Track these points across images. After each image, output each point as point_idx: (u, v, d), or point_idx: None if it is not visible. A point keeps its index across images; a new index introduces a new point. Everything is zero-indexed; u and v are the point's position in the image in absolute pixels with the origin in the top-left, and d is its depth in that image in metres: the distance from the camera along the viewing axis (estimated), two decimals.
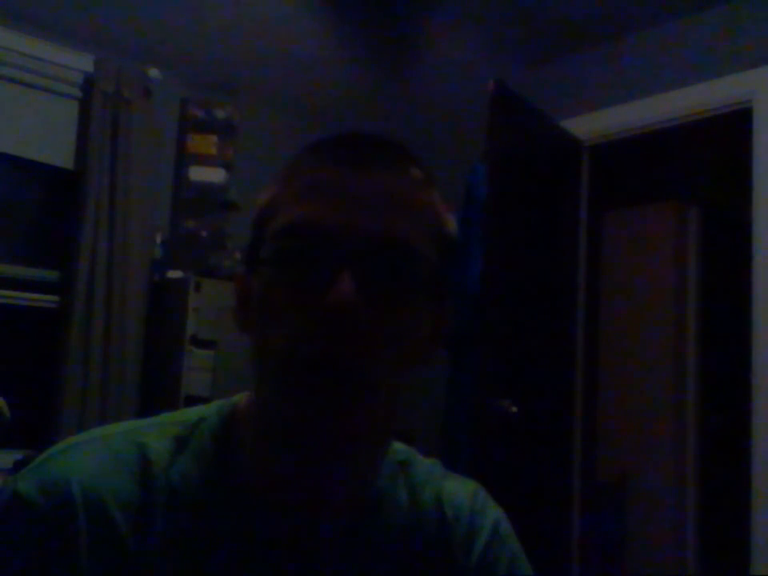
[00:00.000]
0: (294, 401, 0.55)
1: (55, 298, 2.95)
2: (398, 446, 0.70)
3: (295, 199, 0.58)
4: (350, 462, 0.61)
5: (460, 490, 0.71)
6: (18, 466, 2.57)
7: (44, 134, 2.93)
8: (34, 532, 0.53)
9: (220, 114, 3.23)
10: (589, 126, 3.16)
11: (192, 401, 2.74)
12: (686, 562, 3.81)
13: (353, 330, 0.53)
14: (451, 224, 0.63)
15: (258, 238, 0.60)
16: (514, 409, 2.62)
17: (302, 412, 0.55)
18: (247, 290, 0.61)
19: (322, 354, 0.54)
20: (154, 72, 3.03)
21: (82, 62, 2.93)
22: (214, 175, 3.18)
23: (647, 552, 3.85)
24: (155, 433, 0.61)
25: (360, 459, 0.62)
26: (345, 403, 0.54)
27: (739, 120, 2.78)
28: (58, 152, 2.96)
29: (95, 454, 0.58)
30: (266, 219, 0.59)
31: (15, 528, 0.53)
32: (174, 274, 2.99)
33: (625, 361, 4.05)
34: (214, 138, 3.18)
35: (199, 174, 3.16)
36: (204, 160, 3.16)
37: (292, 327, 0.55)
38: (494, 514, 0.71)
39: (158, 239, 3.09)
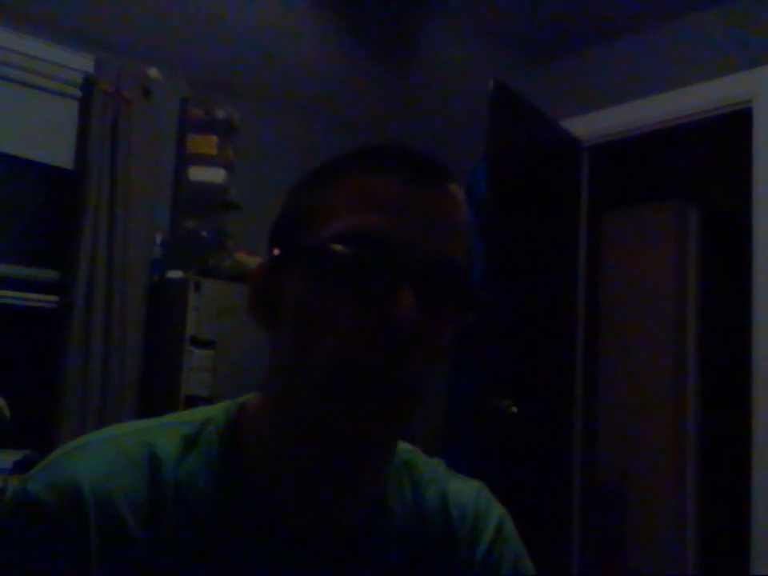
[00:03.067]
0: (344, 407, 0.55)
1: (55, 298, 2.95)
2: (402, 445, 0.70)
3: (355, 206, 0.58)
4: (367, 464, 0.62)
5: (464, 490, 0.71)
6: (18, 466, 2.57)
7: (44, 133, 2.93)
8: (44, 532, 0.53)
9: (220, 114, 3.23)
10: (589, 125, 3.16)
11: (192, 401, 2.74)
12: (686, 562, 3.81)
13: (411, 343, 0.55)
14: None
15: (296, 235, 0.60)
16: (514, 409, 2.62)
17: (351, 419, 0.55)
18: (271, 285, 0.61)
19: (380, 365, 0.55)
20: (153, 72, 3.02)
21: (82, 62, 2.93)
22: (214, 175, 3.18)
23: (647, 551, 3.85)
24: (163, 433, 0.61)
25: (375, 460, 0.63)
26: (393, 412, 0.56)
27: (739, 120, 2.78)
28: (58, 152, 2.96)
29: (104, 453, 0.58)
30: (314, 220, 0.59)
31: (26, 528, 0.54)
32: (174, 273, 2.99)
33: (625, 361, 4.05)
34: (214, 138, 3.18)
35: (199, 173, 3.16)
36: (204, 160, 3.16)
37: (347, 334, 0.55)
38: (497, 513, 0.71)
39: (158, 239, 3.09)
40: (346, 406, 0.55)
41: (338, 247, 0.56)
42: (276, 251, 0.62)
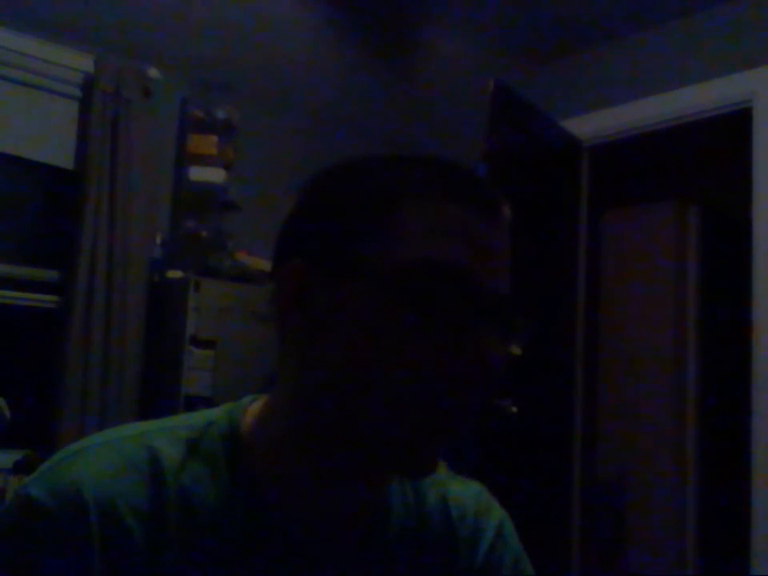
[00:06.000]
0: (416, 437, 0.56)
1: (55, 298, 2.95)
2: None
3: (431, 232, 0.56)
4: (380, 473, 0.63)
5: (465, 491, 0.71)
6: (18, 466, 2.57)
7: (44, 133, 2.93)
8: (47, 537, 0.53)
9: (220, 114, 3.23)
10: (589, 125, 3.15)
11: (192, 401, 2.74)
12: (686, 562, 3.81)
13: (494, 384, 0.56)
14: None
15: (354, 247, 0.57)
16: (514, 409, 2.62)
17: (420, 447, 0.56)
18: (315, 293, 0.58)
19: (465, 401, 0.55)
20: (154, 72, 3.03)
21: (82, 62, 2.93)
22: (214, 175, 3.18)
23: (647, 552, 3.85)
24: (165, 436, 0.61)
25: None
26: (450, 439, 0.57)
27: (739, 120, 2.78)
28: (58, 152, 2.97)
29: (106, 457, 0.58)
30: (381, 236, 0.56)
31: (28, 533, 0.53)
32: (174, 274, 2.99)
33: (625, 361, 4.05)
34: (214, 138, 3.18)
35: (199, 174, 3.16)
36: (204, 160, 3.16)
37: (433, 368, 0.54)
38: (498, 515, 0.72)
39: (158, 239, 3.09)
40: (419, 437, 0.56)
41: (422, 274, 0.54)
42: (323, 258, 0.58)
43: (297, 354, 0.60)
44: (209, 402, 2.68)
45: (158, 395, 2.91)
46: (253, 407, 0.64)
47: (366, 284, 0.56)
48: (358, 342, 0.55)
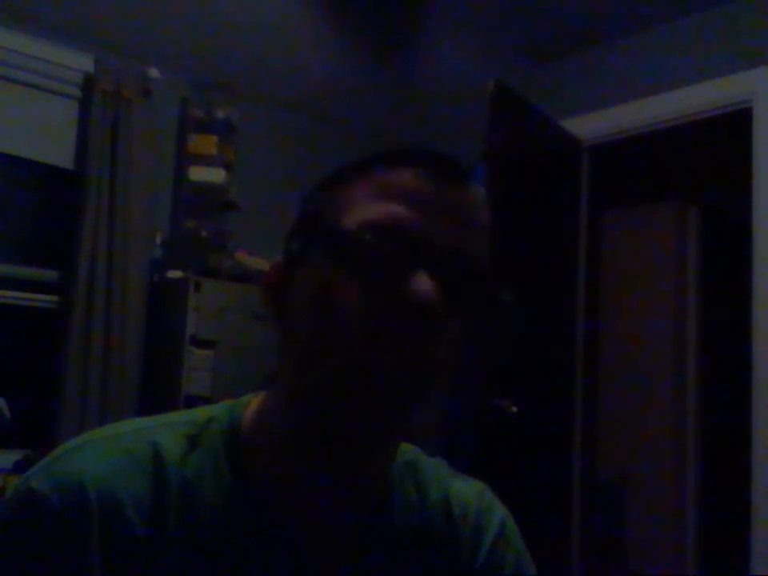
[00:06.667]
0: (358, 392, 0.55)
1: (55, 297, 2.95)
2: (404, 446, 0.70)
3: (378, 198, 0.58)
4: (372, 460, 0.62)
5: (467, 490, 0.72)
6: (18, 466, 2.57)
7: (44, 134, 2.94)
8: (49, 530, 0.53)
9: (220, 114, 3.23)
10: (589, 125, 3.15)
11: (192, 400, 2.74)
12: (686, 562, 3.81)
13: (429, 326, 0.54)
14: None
15: (314, 228, 0.60)
16: (514, 409, 2.62)
17: (364, 404, 0.55)
18: (286, 279, 0.61)
19: (397, 344, 0.54)
20: (153, 72, 3.03)
21: (82, 62, 2.93)
22: (214, 175, 3.18)
23: (647, 552, 3.85)
24: (167, 432, 0.61)
25: (377, 459, 0.63)
26: (404, 399, 0.55)
27: (739, 120, 2.78)
28: (58, 152, 2.97)
29: (108, 451, 0.58)
30: (335, 212, 0.59)
31: (30, 526, 0.53)
32: (174, 273, 2.99)
33: (625, 360, 4.05)
34: (214, 138, 3.18)
35: (199, 173, 3.16)
36: (204, 160, 3.16)
37: (363, 317, 0.54)
38: (500, 513, 0.72)
39: (158, 239, 3.09)
40: (360, 391, 0.54)
41: (359, 234, 0.56)
42: (293, 246, 0.61)
43: (281, 345, 0.61)
44: (208, 402, 2.67)
45: (158, 395, 2.91)
46: (253, 404, 0.65)
47: (317, 258, 0.58)
48: (311, 308, 0.57)
